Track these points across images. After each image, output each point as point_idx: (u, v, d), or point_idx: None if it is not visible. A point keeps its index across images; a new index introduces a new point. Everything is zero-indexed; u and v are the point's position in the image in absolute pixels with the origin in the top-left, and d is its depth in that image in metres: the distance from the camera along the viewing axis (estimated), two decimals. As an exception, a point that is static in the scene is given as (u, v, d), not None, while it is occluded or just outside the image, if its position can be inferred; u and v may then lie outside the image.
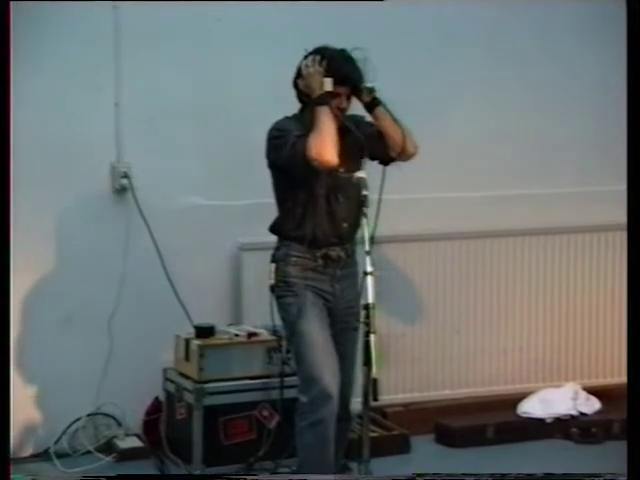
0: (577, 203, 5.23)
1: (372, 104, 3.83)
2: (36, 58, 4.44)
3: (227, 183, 4.78)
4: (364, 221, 3.58)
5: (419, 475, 3.42)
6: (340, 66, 3.75)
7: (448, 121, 4.98)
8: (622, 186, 5.18)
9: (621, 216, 5.20)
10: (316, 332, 3.76)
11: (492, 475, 3.30)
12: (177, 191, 4.74)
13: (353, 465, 3.96)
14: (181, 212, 4.74)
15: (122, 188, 4.65)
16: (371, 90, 3.81)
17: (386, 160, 3.87)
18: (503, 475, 3.29)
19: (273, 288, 3.86)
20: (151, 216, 4.64)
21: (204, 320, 4.57)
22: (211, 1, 4.59)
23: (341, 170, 3.75)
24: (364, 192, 3.62)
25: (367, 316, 3.45)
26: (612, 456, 4.62)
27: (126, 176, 4.64)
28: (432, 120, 4.74)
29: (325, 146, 3.65)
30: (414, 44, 4.89)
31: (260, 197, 4.65)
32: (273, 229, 3.92)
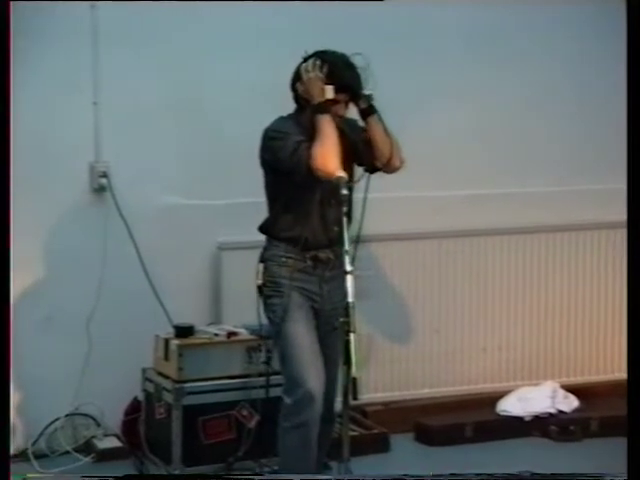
0: (557, 202, 5.25)
1: (368, 112, 3.80)
2: (14, 58, 4.41)
3: (206, 183, 4.78)
4: (344, 220, 3.58)
5: (408, 476, 3.42)
6: (342, 73, 3.72)
7: (430, 120, 4.99)
8: (603, 185, 5.28)
9: (602, 215, 5.29)
10: (302, 334, 3.75)
11: (478, 475, 3.29)
12: (156, 190, 4.73)
13: (333, 464, 3.96)
14: (160, 211, 4.73)
15: (101, 188, 4.64)
16: (369, 98, 3.78)
17: (371, 169, 3.86)
18: (490, 475, 3.29)
19: (260, 288, 3.84)
20: (130, 215, 4.63)
21: (183, 320, 4.57)
22: (189, 0, 4.58)
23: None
24: (343, 192, 3.62)
25: (347, 315, 3.45)
26: (590, 454, 4.65)
27: (105, 175, 4.63)
28: (414, 119, 4.75)
29: (330, 157, 3.63)
30: (397, 43, 4.89)
31: (239, 197, 4.69)
32: (263, 229, 3.89)
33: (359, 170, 3.87)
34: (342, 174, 3.65)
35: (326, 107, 3.69)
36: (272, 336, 3.95)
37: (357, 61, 3.74)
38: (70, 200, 4.65)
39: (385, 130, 3.80)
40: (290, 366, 3.76)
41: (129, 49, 4.60)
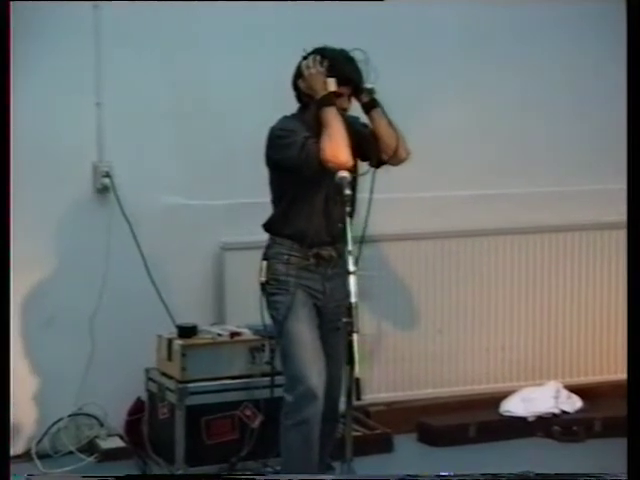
0: (559, 202, 5.25)
1: (370, 105, 3.83)
2: (16, 59, 4.42)
3: (209, 183, 4.78)
4: (347, 221, 3.58)
5: (411, 476, 3.41)
6: (342, 66, 3.75)
7: (430, 121, 4.98)
8: (603, 185, 5.27)
9: (602, 216, 5.28)
10: (305, 331, 3.76)
11: (482, 475, 3.29)
12: (159, 191, 4.73)
13: (336, 464, 3.96)
14: (163, 212, 4.73)
15: (104, 188, 4.64)
16: (371, 91, 3.81)
17: (377, 162, 3.87)
18: (493, 475, 3.28)
19: (264, 286, 3.85)
20: (133, 216, 4.64)
21: (187, 320, 4.56)
22: (192, 1, 4.59)
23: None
24: (346, 192, 3.62)
25: (350, 315, 3.45)
26: (593, 454, 4.65)
27: (108, 175, 4.64)
28: (414, 119, 4.74)
29: (340, 148, 3.65)
30: (397, 42, 4.89)
31: (242, 197, 4.69)
32: (267, 227, 3.91)
33: (363, 165, 3.88)
34: (345, 174, 3.66)
35: (330, 99, 3.71)
36: (275, 334, 3.95)
37: (357, 55, 3.77)
38: (73, 200, 4.65)
39: (389, 122, 3.81)
40: (292, 363, 3.77)
41: (132, 49, 4.60)
